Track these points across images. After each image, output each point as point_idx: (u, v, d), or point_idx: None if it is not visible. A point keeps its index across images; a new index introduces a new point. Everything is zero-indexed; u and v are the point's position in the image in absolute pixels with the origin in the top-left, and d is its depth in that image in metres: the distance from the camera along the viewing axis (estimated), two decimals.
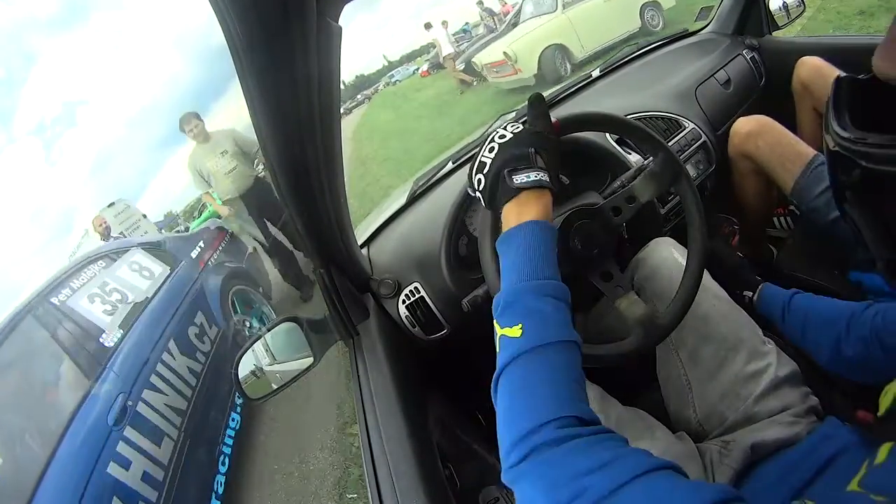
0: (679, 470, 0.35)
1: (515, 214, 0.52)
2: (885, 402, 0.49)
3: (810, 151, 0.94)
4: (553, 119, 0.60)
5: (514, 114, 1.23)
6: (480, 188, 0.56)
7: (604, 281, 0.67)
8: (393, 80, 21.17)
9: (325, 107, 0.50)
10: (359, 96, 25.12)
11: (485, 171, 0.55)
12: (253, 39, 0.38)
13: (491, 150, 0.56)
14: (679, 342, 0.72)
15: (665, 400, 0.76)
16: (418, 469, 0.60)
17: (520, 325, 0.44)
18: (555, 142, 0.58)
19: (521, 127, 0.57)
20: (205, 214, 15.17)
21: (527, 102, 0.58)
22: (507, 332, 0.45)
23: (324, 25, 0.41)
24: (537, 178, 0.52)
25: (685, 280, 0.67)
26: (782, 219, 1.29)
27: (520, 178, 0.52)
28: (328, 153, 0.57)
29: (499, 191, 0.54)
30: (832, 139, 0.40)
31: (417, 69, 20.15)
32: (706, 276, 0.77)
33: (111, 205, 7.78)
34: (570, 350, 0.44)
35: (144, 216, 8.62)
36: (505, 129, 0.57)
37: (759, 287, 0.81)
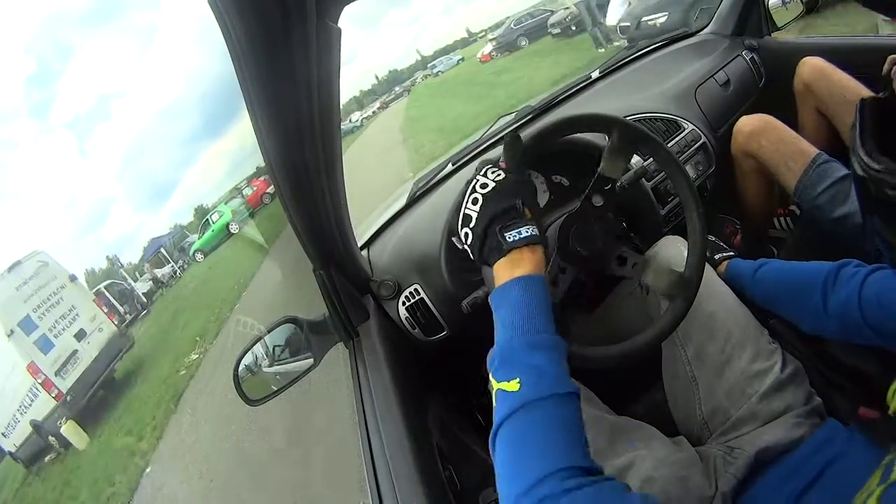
0: None
1: (508, 271, 0.51)
2: (895, 403, 0.49)
3: (812, 150, 0.94)
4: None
5: (513, 115, 1.23)
6: (468, 242, 0.55)
7: (620, 266, 0.67)
8: (435, 70, 20.31)
9: (324, 108, 0.50)
10: (397, 88, 24.72)
11: (471, 226, 0.53)
12: (253, 41, 0.38)
13: (474, 201, 0.54)
14: (685, 339, 0.72)
15: (669, 399, 0.76)
16: (418, 470, 0.59)
17: (517, 380, 0.44)
18: (533, 186, 0.57)
19: (503, 174, 0.55)
20: (207, 234, 12.59)
21: (503, 145, 0.57)
22: (503, 387, 0.44)
23: (323, 27, 0.41)
24: (528, 235, 0.51)
25: (691, 236, 0.68)
26: (782, 219, 1.29)
27: (511, 236, 0.51)
28: (328, 154, 0.58)
29: (487, 246, 0.52)
30: (859, 167, 0.40)
31: (461, 59, 19.44)
32: (712, 274, 0.78)
33: (16, 265, 5.86)
34: (569, 402, 0.44)
35: (73, 278, 6.51)
36: (486, 176, 0.55)
37: (725, 263, 0.82)
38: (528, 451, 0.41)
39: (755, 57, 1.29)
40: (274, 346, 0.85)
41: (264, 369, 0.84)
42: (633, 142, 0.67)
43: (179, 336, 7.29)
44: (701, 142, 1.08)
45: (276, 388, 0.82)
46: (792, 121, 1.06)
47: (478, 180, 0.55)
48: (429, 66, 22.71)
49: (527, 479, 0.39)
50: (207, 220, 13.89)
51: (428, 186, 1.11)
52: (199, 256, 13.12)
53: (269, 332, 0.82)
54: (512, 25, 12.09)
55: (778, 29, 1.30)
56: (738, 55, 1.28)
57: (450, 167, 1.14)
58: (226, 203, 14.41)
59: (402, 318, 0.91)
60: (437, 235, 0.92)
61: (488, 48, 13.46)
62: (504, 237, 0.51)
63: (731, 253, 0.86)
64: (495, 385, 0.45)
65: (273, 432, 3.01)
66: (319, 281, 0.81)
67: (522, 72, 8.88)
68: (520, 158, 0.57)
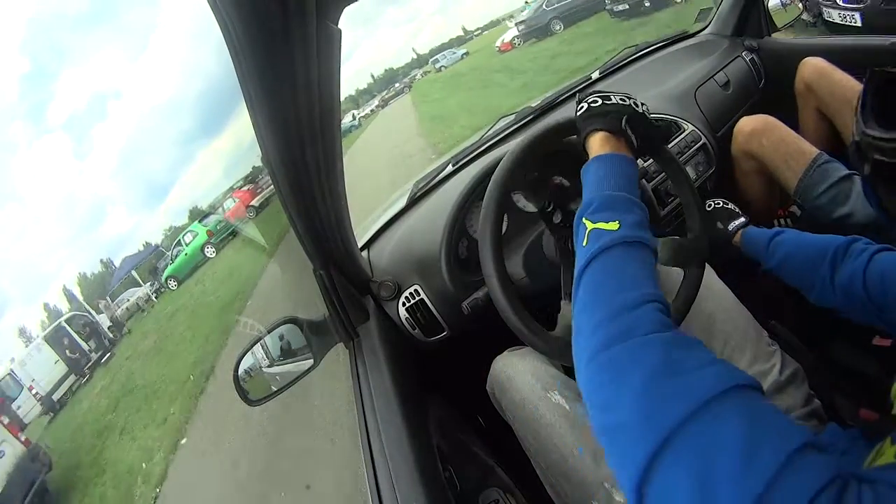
0: (763, 392, 0.35)
1: (612, 145, 0.57)
2: None
3: (813, 150, 0.94)
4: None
5: (514, 116, 1.23)
6: (591, 101, 0.61)
7: None
8: (438, 65, 19.95)
9: (325, 109, 0.50)
10: (397, 84, 24.46)
11: (607, 101, 0.60)
12: (253, 42, 0.38)
13: (623, 99, 0.61)
14: None
15: None
16: (418, 471, 0.59)
17: (618, 221, 0.47)
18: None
19: (653, 123, 0.63)
20: (180, 259, 10.93)
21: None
22: (601, 226, 0.48)
23: (324, 28, 0.41)
24: (634, 146, 0.59)
25: (683, 288, 0.67)
26: (782, 220, 1.28)
27: (630, 133, 0.58)
28: (328, 155, 0.58)
29: (603, 118, 0.59)
30: (856, 132, 0.43)
31: (466, 52, 19.07)
32: (713, 275, 0.78)
33: None
34: (654, 258, 0.48)
35: None
36: (646, 108, 0.63)
37: (742, 230, 0.83)
38: (625, 278, 0.44)
39: (755, 58, 1.29)
40: (274, 347, 0.85)
41: (264, 370, 0.84)
42: (699, 261, 0.70)
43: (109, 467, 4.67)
44: (701, 142, 1.08)
45: (276, 389, 0.82)
46: (791, 121, 1.07)
47: (639, 101, 0.62)
48: (430, 61, 22.32)
49: (621, 299, 0.41)
50: (180, 240, 11.74)
51: (428, 187, 1.11)
52: (171, 284, 11.00)
53: (269, 332, 0.82)
54: (544, 7, 10.50)
55: (778, 29, 1.31)
56: (738, 56, 1.28)
57: (450, 168, 1.13)
58: (200, 221, 12.10)
59: (403, 318, 0.91)
60: (438, 236, 0.92)
61: (509, 35, 11.98)
62: (627, 128, 0.58)
63: (745, 220, 0.87)
64: (590, 225, 0.49)
65: None
66: (319, 281, 0.81)
67: (594, 53, 6.91)
68: (657, 136, 0.66)
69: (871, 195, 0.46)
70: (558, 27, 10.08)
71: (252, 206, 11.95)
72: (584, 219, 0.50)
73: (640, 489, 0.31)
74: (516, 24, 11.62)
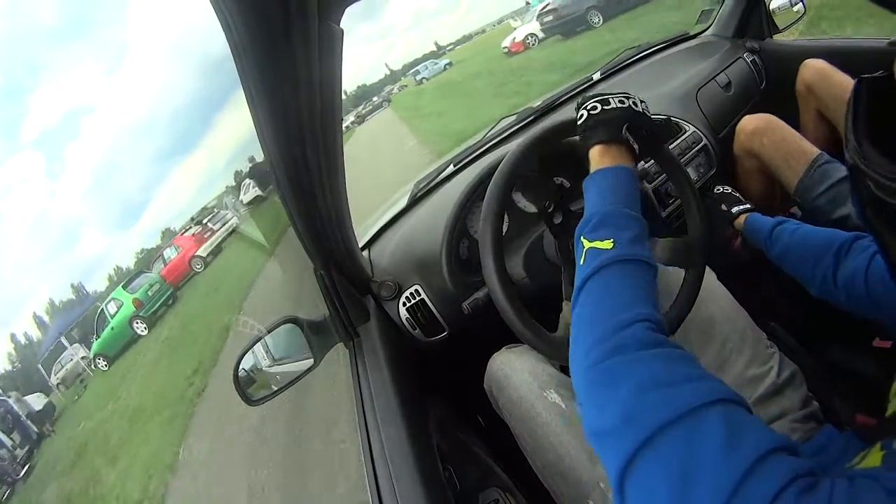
0: (749, 409, 0.36)
1: (612, 157, 0.57)
2: (894, 404, 0.49)
3: (814, 150, 0.94)
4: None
5: (515, 117, 1.23)
6: (591, 109, 0.60)
7: None
8: (419, 76, 19.61)
9: (326, 108, 0.50)
10: (375, 98, 23.91)
11: (606, 107, 0.59)
12: (255, 41, 0.38)
13: (621, 101, 0.59)
14: (682, 342, 0.72)
15: None
16: (418, 471, 0.60)
17: (612, 240, 0.48)
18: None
19: (654, 121, 0.62)
20: (105, 333, 8.71)
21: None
22: (597, 245, 0.48)
23: (325, 28, 0.41)
24: (636, 152, 0.58)
25: (682, 291, 0.67)
26: None
27: (631, 139, 0.57)
28: (329, 154, 0.58)
29: (606, 127, 0.58)
30: (849, 153, 0.38)
31: (449, 63, 18.67)
32: (712, 277, 0.78)
33: None
34: (653, 272, 0.48)
35: None
36: (645, 106, 0.61)
37: (745, 217, 0.84)
38: (618, 298, 0.44)
39: (756, 59, 1.29)
40: (274, 347, 0.85)
41: (265, 369, 0.84)
42: (698, 262, 0.69)
43: None
44: (702, 144, 1.08)
45: (276, 388, 0.82)
46: (793, 123, 1.06)
47: (636, 97, 0.61)
48: (411, 72, 21.73)
49: (614, 319, 0.41)
50: (103, 310, 9.34)
51: (429, 187, 1.11)
52: (101, 363, 8.98)
53: (269, 332, 0.82)
54: None
55: (779, 31, 1.31)
56: (740, 57, 1.28)
57: (451, 168, 1.14)
58: (125, 286, 9.42)
59: (403, 318, 0.91)
60: (438, 236, 0.92)
61: (521, 33, 10.33)
62: (627, 134, 0.57)
63: (749, 206, 0.88)
64: (587, 244, 0.50)
65: None
66: (320, 281, 0.81)
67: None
68: (658, 136, 0.64)
69: (861, 215, 0.42)
70: (597, 19, 8.28)
71: (199, 256, 9.40)
72: (582, 237, 0.51)
73: (622, 481, 0.33)
74: (538, 17, 9.71)
